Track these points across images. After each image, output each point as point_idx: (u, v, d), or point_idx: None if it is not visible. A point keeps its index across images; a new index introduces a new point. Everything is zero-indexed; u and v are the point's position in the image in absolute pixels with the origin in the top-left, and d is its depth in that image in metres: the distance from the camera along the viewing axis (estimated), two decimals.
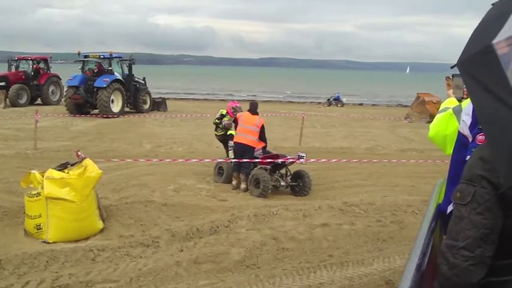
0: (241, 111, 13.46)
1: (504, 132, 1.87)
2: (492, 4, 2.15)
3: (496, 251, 2.00)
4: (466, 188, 2.04)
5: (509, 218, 1.98)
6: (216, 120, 13.99)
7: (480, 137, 2.50)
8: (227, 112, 13.90)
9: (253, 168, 12.38)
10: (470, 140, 2.69)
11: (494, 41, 1.91)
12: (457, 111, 3.71)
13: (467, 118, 2.73)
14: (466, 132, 2.70)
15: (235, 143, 12.75)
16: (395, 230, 9.28)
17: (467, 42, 2.10)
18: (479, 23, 2.11)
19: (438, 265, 2.10)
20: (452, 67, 2.15)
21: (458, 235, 2.03)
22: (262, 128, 12.57)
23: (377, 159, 15.85)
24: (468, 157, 2.47)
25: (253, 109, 12.95)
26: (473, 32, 2.11)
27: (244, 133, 12.59)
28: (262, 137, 12.61)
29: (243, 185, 12.35)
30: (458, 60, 2.09)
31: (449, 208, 2.58)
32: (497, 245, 2.00)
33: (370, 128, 26.27)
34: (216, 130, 14.15)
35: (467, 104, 2.83)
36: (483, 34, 2.01)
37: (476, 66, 1.99)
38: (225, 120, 13.77)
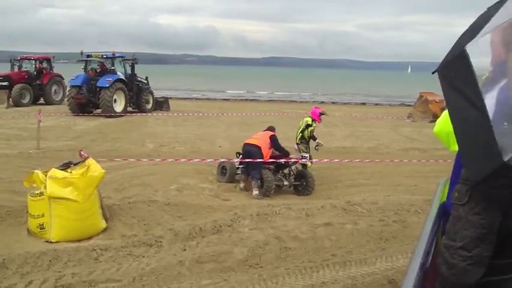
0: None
1: (472, 131, 1.92)
2: (488, 8, 2.16)
3: (495, 250, 1.99)
4: (464, 188, 2.04)
5: (509, 218, 1.97)
6: (301, 133, 13.86)
7: None
8: (313, 119, 13.86)
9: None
10: None
11: (466, 46, 1.96)
12: None
13: None
14: None
15: (244, 145, 12.70)
16: (398, 230, 9.27)
17: (450, 49, 2.12)
18: (465, 30, 2.13)
19: (438, 265, 2.10)
20: (433, 73, 2.17)
21: (456, 235, 2.03)
22: (272, 139, 12.52)
23: (380, 159, 15.84)
24: None
25: (268, 128, 13.17)
26: (458, 38, 2.13)
27: (252, 137, 12.67)
28: (277, 147, 12.59)
29: (255, 192, 11.98)
30: (438, 66, 2.11)
31: None
32: (496, 244, 1.99)
33: (373, 127, 26.24)
34: (301, 142, 13.89)
35: None
36: (461, 40, 2.04)
37: (452, 71, 2.04)
38: (311, 129, 13.76)
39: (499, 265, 2.00)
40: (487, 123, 1.83)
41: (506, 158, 1.76)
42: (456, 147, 3.23)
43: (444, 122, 4.05)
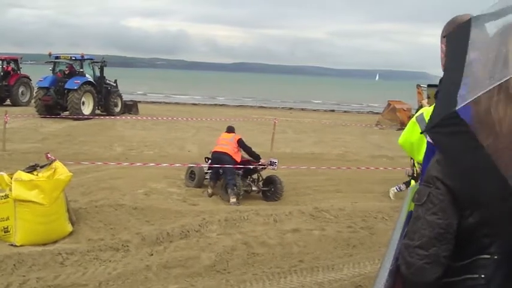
0: None
1: (445, 88, 2.09)
2: None
3: (455, 252, 2.04)
4: (423, 189, 2.09)
5: (465, 219, 2.02)
6: None
7: None
8: None
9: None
10: None
11: (473, 16, 2.13)
12: (420, 120, 3.79)
13: None
14: None
15: (213, 153, 12.58)
16: (365, 236, 9.34)
17: None
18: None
19: (399, 265, 2.15)
20: (444, 36, 2.34)
21: (414, 234, 2.09)
22: (240, 142, 12.47)
23: (348, 166, 15.95)
24: None
25: (229, 129, 12.98)
26: None
27: (221, 144, 12.51)
28: (246, 150, 12.57)
29: (232, 199, 11.79)
30: (448, 32, 2.38)
31: None
32: (455, 246, 2.04)
33: (342, 134, 26.41)
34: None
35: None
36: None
37: (455, 35, 2.21)
38: None
39: (456, 267, 2.05)
40: (458, 82, 1.97)
41: (457, 107, 1.89)
42: (420, 157, 3.29)
43: (408, 134, 4.12)
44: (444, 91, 2.10)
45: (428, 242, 2.04)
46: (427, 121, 3.15)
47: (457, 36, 2.15)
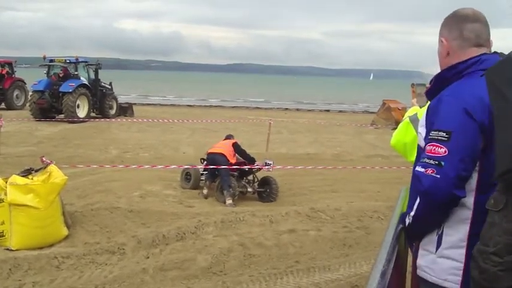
0: None
1: (506, 129, 2.07)
2: None
3: None
4: (499, 195, 2.08)
5: None
6: None
7: (428, 147, 2.52)
8: None
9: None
10: None
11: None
12: (414, 120, 3.78)
13: (422, 129, 2.74)
14: (423, 144, 2.70)
15: (208, 154, 12.68)
16: (361, 236, 9.35)
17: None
18: None
19: (470, 269, 2.15)
20: (481, 76, 2.30)
21: (489, 241, 2.09)
22: (236, 146, 12.59)
23: (343, 165, 15.95)
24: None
25: (227, 137, 13.24)
26: None
27: (216, 146, 12.70)
28: (241, 154, 12.65)
29: (228, 201, 11.73)
30: (486, 70, 2.31)
31: (407, 221, 2.63)
32: None
33: (337, 134, 26.40)
34: None
35: (422, 116, 2.84)
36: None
37: (497, 74, 2.19)
38: None
39: None
40: None
41: None
42: (413, 158, 3.28)
43: (401, 135, 4.11)
44: (506, 131, 2.09)
45: (503, 248, 2.04)
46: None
47: (502, 72, 2.15)
